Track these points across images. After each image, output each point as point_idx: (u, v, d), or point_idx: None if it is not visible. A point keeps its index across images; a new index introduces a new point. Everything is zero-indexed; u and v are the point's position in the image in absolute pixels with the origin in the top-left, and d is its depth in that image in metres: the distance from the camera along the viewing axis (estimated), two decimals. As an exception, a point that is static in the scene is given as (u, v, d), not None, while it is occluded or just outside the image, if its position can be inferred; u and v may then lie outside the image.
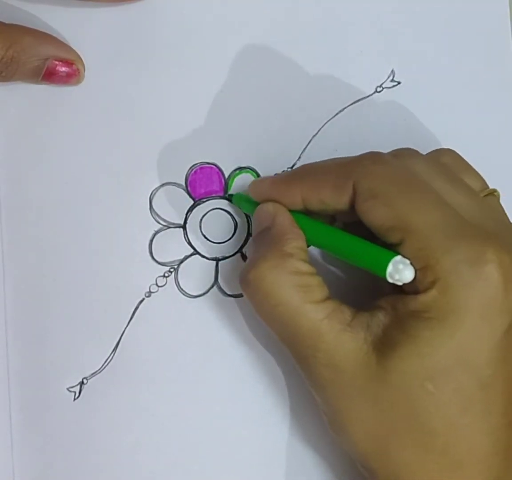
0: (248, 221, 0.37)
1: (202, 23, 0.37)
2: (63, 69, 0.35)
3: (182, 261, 0.37)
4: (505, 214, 0.33)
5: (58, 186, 0.36)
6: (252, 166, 0.37)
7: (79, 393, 0.36)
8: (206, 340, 0.36)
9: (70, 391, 0.36)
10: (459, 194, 0.31)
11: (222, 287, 0.37)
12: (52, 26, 0.36)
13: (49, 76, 0.35)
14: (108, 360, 0.36)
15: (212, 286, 0.37)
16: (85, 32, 0.36)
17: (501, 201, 0.33)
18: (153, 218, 0.36)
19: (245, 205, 0.35)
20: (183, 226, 0.37)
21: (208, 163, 0.37)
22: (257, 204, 0.34)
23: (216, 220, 0.37)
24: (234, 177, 0.37)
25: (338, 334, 0.29)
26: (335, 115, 0.37)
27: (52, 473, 0.36)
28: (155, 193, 0.37)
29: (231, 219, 0.37)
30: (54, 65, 0.35)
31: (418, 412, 0.28)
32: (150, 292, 0.36)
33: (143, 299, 0.36)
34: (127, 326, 0.36)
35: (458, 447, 0.29)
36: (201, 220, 0.37)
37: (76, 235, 0.36)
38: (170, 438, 0.36)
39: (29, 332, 0.36)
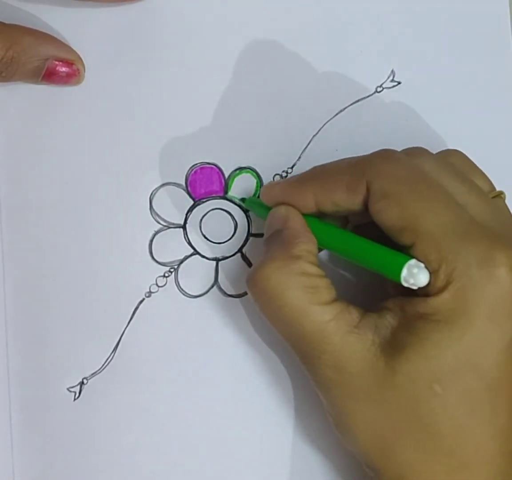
0: (248, 221, 0.37)
1: (202, 23, 0.37)
2: (63, 69, 0.35)
3: (182, 261, 0.37)
4: None
5: (58, 186, 0.36)
6: (252, 166, 0.37)
7: (79, 393, 0.36)
8: (206, 340, 0.36)
9: (70, 391, 0.36)
10: (470, 195, 0.30)
11: (222, 287, 0.37)
12: (52, 26, 0.36)
13: (49, 76, 0.35)
14: (108, 360, 0.36)
15: (212, 286, 0.37)
16: (85, 32, 0.36)
17: (501, 201, 0.33)
18: (153, 218, 0.36)
19: (258, 209, 0.35)
20: (183, 226, 0.37)
21: (208, 163, 0.37)
22: (269, 208, 0.33)
23: (216, 220, 0.37)
24: (234, 177, 0.37)
25: (344, 336, 0.29)
26: (335, 115, 0.37)
27: (52, 473, 0.36)
28: (155, 193, 0.37)
29: (231, 219, 0.37)
30: (54, 65, 0.35)
31: (425, 414, 0.28)
32: (150, 292, 0.36)
33: (143, 299, 0.36)
34: (127, 326, 0.36)
35: (464, 449, 0.28)
36: (201, 220, 0.37)
37: (76, 235, 0.36)
38: (170, 438, 0.36)
39: (29, 332, 0.36)
